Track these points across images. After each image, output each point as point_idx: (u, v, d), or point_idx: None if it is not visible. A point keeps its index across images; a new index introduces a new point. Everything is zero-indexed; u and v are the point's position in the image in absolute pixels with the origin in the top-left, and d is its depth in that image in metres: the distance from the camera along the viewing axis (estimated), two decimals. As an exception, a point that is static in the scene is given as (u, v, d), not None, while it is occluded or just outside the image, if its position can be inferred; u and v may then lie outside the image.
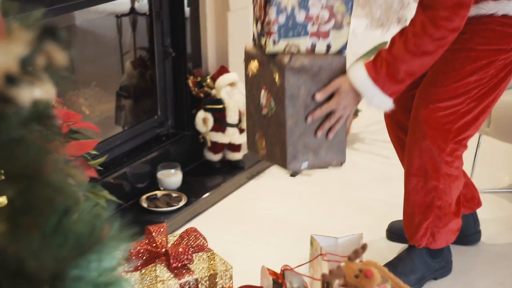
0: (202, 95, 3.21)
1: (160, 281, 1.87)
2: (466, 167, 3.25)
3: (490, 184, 3.24)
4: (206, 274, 1.90)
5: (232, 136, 3.22)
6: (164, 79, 3.22)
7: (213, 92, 3.20)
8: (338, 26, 2.04)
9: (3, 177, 0.86)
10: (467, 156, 3.38)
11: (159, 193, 2.98)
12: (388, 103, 2.19)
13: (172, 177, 3.02)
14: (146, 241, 1.99)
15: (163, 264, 1.94)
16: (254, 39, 2.14)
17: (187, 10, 3.17)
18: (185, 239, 1.97)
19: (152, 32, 3.15)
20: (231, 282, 1.94)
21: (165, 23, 3.16)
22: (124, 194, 2.89)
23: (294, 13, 1.99)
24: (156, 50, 3.16)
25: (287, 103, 2.02)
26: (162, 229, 1.99)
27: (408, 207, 2.51)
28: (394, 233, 2.82)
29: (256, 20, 2.08)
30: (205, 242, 1.97)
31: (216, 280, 1.91)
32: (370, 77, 2.12)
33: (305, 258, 2.32)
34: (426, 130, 2.35)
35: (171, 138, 3.24)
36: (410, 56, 2.13)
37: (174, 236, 2.06)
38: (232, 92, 3.20)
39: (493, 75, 2.33)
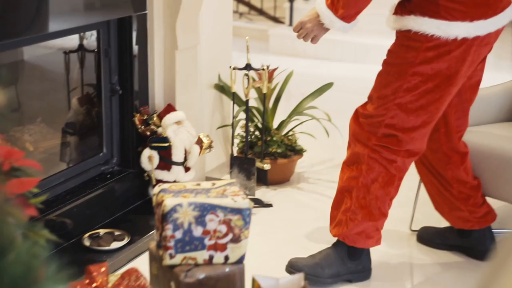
0: (148, 133, 3.21)
1: (100, 321, 1.84)
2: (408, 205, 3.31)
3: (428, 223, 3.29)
4: (146, 314, 1.89)
5: (177, 174, 3.22)
6: (111, 116, 3.22)
7: (159, 130, 3.21)
8: (236, 240, 2.08)
9: None
10: (408, 194, 3.44)
11: (102, 231, 2.96)
12: (339, 23, 2.60)
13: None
14: (87, 281, 1.97)
15: (103, 304, 1.92)
16: (157, 242, 2.17)
17: (135, 48, 3.19)
18: (126, 279, 1.96)
19: (100, 69, 3.15)
20: (172, 322, 1.93)
21: (112, 61, 3.17)
22: (67, 232, 2.87)
23: (191, 228, 2.04)
24: (103, 87, 3.16)
25: None
26: (103, 269, 1.97)
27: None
28: (425, 237, 3.15)
29: (157, 228, 2.11)
30: (146, 282, 1.96)
31: (157, 320, 1.90)
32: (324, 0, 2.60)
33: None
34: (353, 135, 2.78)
35: (116, 176, 3.22)
36: None
37: (115, 276, 2.05)
38: (178, 131, 3.21)
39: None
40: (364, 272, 2.83)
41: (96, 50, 3.15)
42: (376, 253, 3.02)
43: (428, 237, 3.13)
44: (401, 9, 2.62)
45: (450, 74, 2.58)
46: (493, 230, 3.01)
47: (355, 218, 2.72)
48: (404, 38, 2.61)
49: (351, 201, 2.72)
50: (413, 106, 2.62)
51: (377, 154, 2.68)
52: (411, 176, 3.46)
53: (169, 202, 2.03)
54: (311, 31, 2.66)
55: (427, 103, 2.62)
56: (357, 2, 2.56)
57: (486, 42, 2.59)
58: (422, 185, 3.15)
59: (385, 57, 2.71)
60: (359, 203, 2.71)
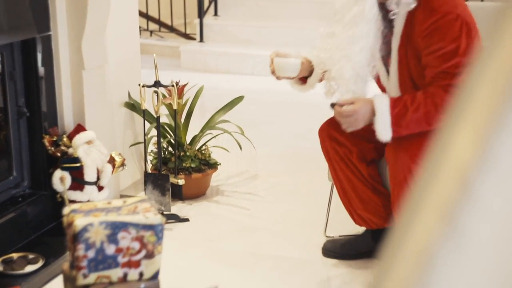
0: (59, 154, 3.18)
1: None
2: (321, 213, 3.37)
3: (345, 231, 3.36)
4: (61, 336, 1.88)
5: (91, 194, 3.20)
6: (19, 139, 3.17)
7: (70, 150, 3.18)
8: (149, 256, 2.10)
9: None
10: (322, 202, 3.50)
11: (15, 255, 2.91)
12: (388, 134, 2.57)
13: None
14: (-1, 306, 1.95)
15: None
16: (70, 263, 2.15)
17: (41, 69, 3.16)
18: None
19: (6, 92, 3.11)
20: None
21: (18, 83, 3.13)
22: (-22, 259, 2.81)
23: (104, 247, 2.04)
24: (9, 110, 3.12)
25: None
26: (15, 293, 1.95)
27: None
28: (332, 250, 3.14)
29: (69, 249, 2.10)
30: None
31: None
32: (389, 105, 2.56)
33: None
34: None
35: (28, 199, 3.18)
36: (418, 121, 2.54)
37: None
38: (89, 150, 3.19)
39: None
40: None
41: (0, 73, 3.11)
42: (290, 261, 3.07)
43: (335, 249, 3.14)
44: None
45: None
46: None
47: None
48: None
49: None
50: None
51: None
52: (324, 183, 3.54)
53: (79, 222, 2.03)
54: (359, 123, 2.63)
55: None
56: (417, 127, 2.56)
57: None
58: (335, 192, 3.22)
59: None
60: None
